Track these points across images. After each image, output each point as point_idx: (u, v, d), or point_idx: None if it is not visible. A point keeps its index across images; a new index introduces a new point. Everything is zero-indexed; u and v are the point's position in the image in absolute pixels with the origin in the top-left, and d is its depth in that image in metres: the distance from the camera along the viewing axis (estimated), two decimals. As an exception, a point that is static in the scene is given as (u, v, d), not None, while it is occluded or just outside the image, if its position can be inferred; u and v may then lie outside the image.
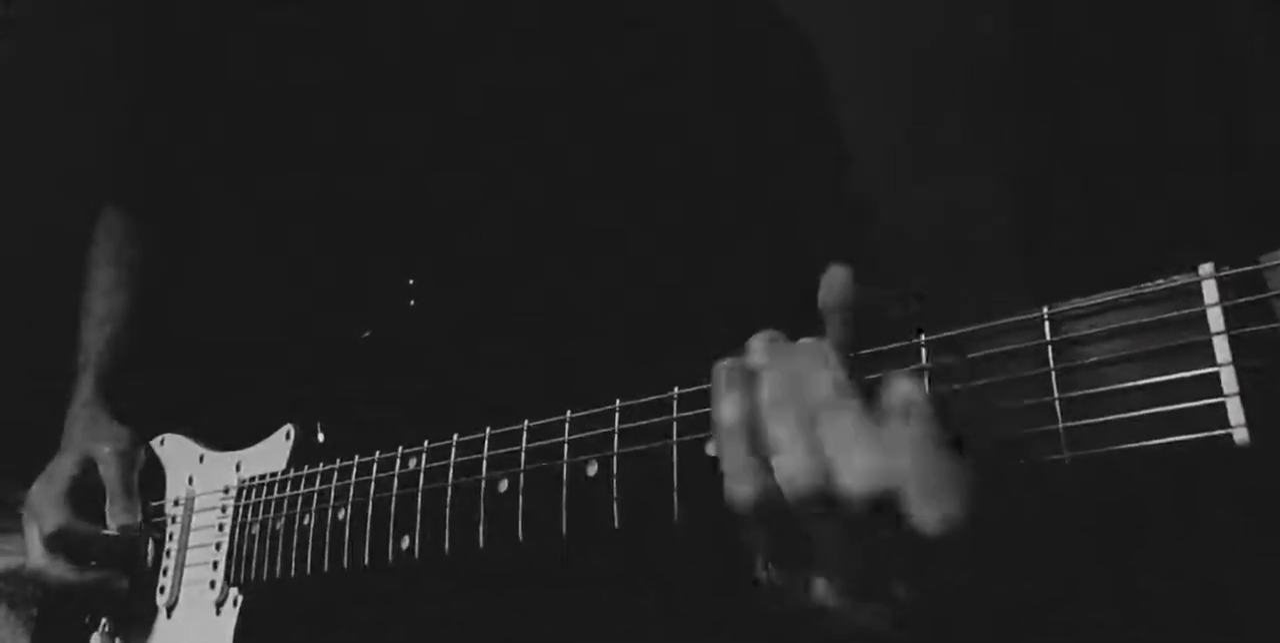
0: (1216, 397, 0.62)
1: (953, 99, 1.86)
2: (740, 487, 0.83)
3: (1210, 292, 0.63)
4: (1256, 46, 1.54)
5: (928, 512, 0.74)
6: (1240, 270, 0.63)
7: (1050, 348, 0.70)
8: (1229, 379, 0.62)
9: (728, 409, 0.84)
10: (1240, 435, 0.61)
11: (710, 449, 0.89)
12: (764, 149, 1.43)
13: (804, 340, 0.86)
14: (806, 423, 0.80)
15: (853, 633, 0.84)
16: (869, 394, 0.79)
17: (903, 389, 0.77)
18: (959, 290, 1.75)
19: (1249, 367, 0.61)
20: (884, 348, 0.84)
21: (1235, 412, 0.61)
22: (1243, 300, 0.62)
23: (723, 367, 0.87)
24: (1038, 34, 1.73)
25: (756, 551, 0.90)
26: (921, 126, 1.87)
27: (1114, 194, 1.57)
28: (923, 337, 0.82)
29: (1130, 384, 0.66)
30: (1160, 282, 0.66)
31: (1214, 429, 0.62)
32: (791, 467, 0.80)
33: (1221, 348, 0.62)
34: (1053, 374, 0.70)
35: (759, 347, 0.88)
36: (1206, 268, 0.64)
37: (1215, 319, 0.63)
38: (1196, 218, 1.50)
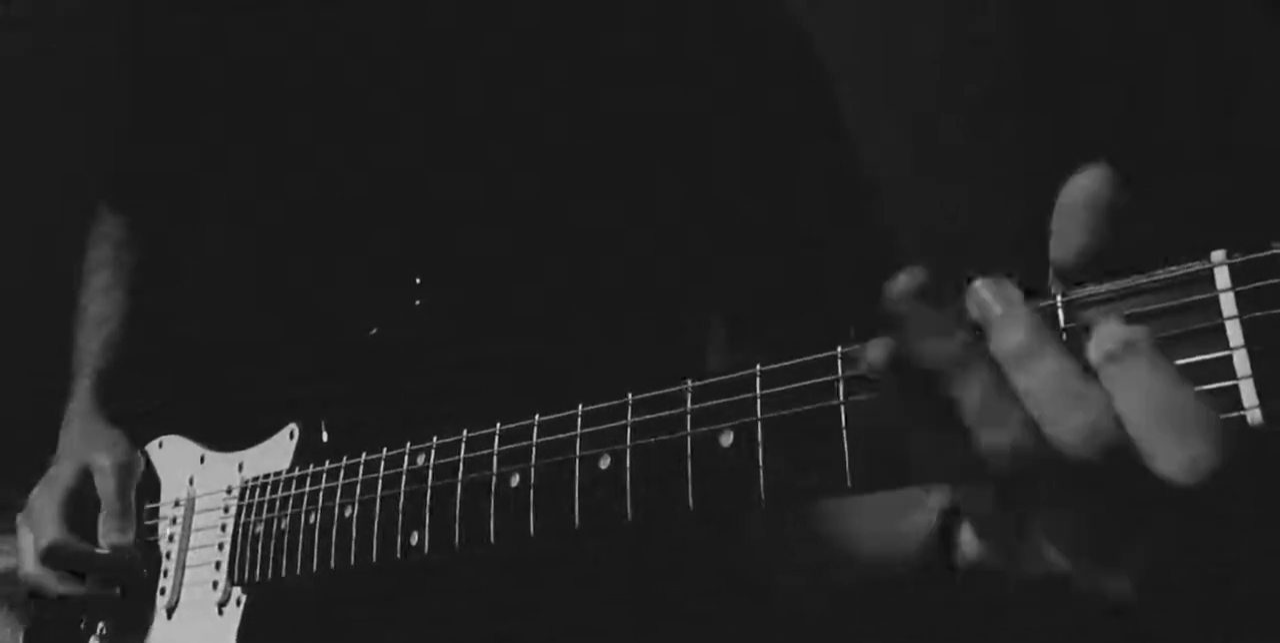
0: (1230, 380, 0.64)
1: (953, 99, 1.86)
2: (939, 457, 0.74)
3: (1223, 277, 0.65)
4: (1257, 46, 1.55)
5: (1172, 458, 0.65)
6: (1252, 256, 0.64)
7: (1064, 335, 0.71)
8: (1242, 362, 0.63)
9: (903, 368, 0.73)
10: (1254, 416, 0.63)
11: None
12: (766, 149, 1.43)
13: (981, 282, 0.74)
14: (999, 378, 0.70)
15: (1090, 604, 0.75)
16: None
17: (1113, 330, 0.67)
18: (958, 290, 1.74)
19: (1262, 349, 0.62)
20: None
21: (1249, 393, 0.63)
22: (1255, 285, 0.63)
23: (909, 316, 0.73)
24: (1038, 34, 1.74)
25: (954, 528, 0.83)
26: (922, 127, 1.87)
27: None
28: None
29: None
30: (1173, 268, 0.67)
31: (1229, 411, 0.63)
32: (993, 433, 0.70)
33: (1234, 332, 0.64)
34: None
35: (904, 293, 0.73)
36: (1218, 254, 0.65)
37: (1228, 304, 0.64)
38: (1197, 218, 1.50)
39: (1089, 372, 0.68)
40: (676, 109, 1.41)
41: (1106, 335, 0.67)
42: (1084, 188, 0.71)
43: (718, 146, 1.41)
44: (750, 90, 1.44)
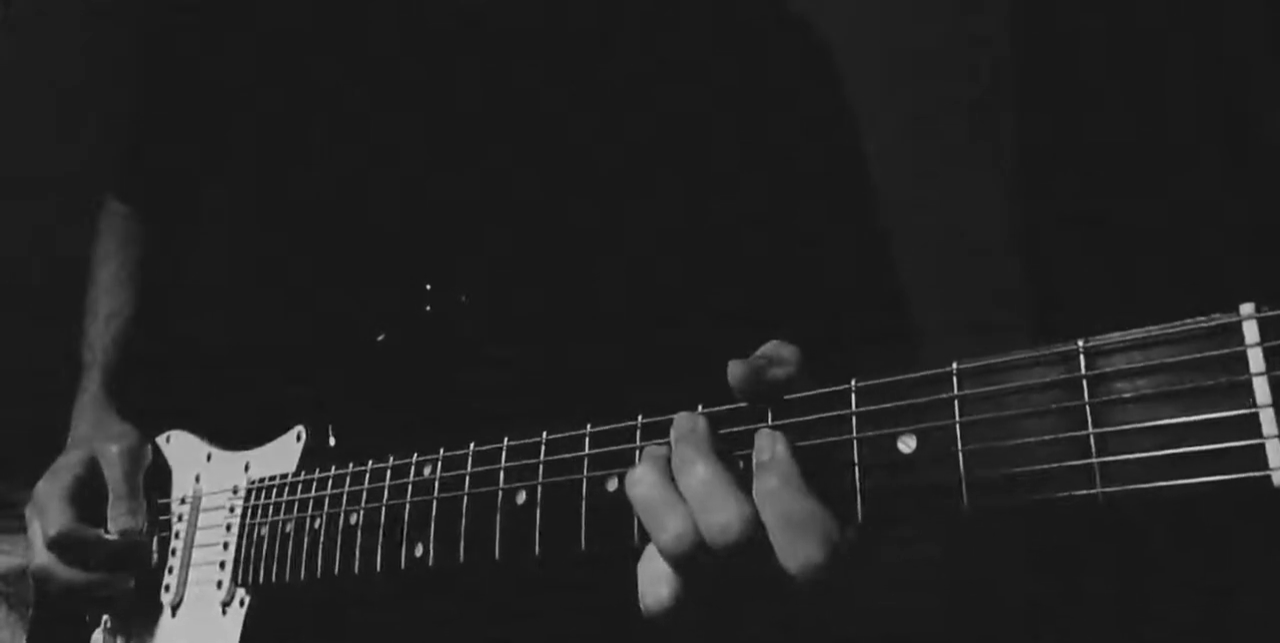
0: (1255, 438, 0.62)
1: (953, 99, 1.86)
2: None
3: (1251, 331, 0.64)
4: (1257, 46, 1.55)
5: (788, 556, 0.81)
6: (1284, 311, 0.63)
7: (1085, 382, 0.70)
8: (1269, 421, 0.62)
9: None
10: (1279, 478, 0.61)
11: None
12: (768, 148, 1.43)
13: (679, 415, 0.92)
14: (668, 484, 0.88)
15: None
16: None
17: (761, 444, 0.85)
18: (958, 290, 1.76)
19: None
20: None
21: (1275, 454, 0.62)
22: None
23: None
24: (1038, 34, 1.73)
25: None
26: (922, 126, 1.87)
27: (1114, 194, 1.58)
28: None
29: (1166, 422, 0.66)
30: (1200, 319, 0.66)
31: (1251, 471, 0.62)
32: (655, 525, 0.87)
33: (1261, 389, 0.63)
34: (1087, 408, 0.70)
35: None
36: (1247, 307, 0.64)
37: (1256, 359, 0.63)
38: (1197, 218, 1.51)
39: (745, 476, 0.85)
40: (679, 108, 1.40)
41: (756, 447, 0.85)
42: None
43: (721, 147, 1.41)
44: (754, 89, 1.44)
